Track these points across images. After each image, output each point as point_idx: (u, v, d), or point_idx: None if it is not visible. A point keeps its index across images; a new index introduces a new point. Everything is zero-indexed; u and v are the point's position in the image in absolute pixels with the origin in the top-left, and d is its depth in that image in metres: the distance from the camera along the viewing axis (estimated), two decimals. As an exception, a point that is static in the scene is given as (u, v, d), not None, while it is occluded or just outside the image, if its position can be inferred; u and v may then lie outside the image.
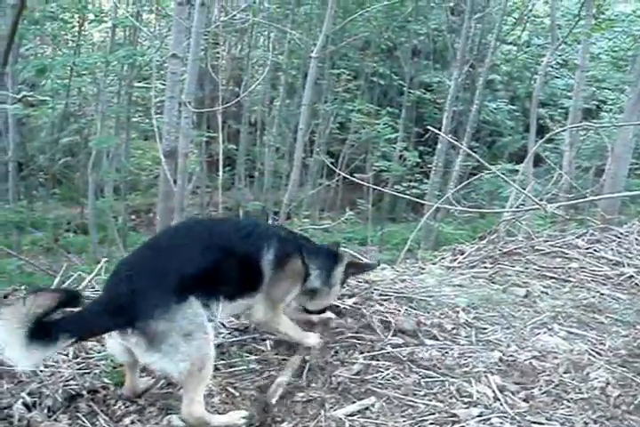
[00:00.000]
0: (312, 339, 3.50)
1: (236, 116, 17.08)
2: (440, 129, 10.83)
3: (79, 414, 2.91)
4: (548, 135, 7.77)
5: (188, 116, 8.26)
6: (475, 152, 16.91)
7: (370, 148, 16.26)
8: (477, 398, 3.03)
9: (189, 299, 2.84)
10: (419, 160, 15.26)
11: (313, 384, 3.15)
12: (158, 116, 9.35)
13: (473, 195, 14.56)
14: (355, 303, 3.85)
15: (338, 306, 3.76)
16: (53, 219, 14.32)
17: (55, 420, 2.85)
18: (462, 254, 5.77)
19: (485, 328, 3.83)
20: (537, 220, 7.61)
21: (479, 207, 10.22)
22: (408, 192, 11.33)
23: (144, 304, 2.74)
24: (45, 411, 2.90)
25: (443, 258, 5.95)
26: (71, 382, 3.13)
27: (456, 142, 8.40)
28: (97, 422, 2.89)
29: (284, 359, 3.40)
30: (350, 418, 2.85)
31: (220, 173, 7.51)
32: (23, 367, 2.77)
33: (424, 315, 3.88)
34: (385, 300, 3.99)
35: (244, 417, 2.90)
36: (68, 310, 2.72)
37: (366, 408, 2.94)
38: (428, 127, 5.88)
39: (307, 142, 14.39)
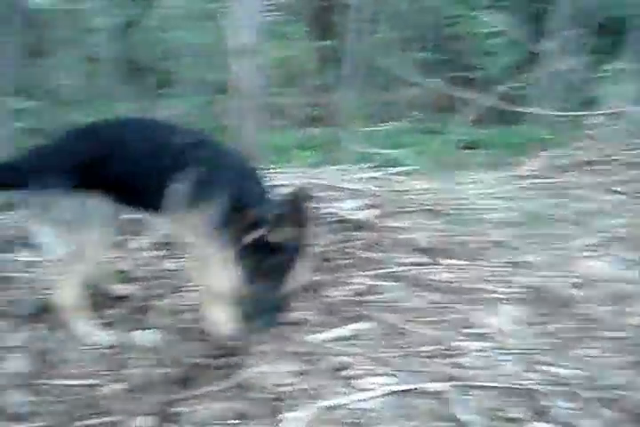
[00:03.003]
0: None
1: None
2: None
3: None
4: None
5: None
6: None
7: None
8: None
9: (89, 190, 2.65)
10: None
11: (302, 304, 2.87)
12: None
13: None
14: (375, 216, 3.47)
15: (350, 219, 3.39)
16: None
17: None
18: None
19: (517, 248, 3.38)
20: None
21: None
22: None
23: (38, 174, 2.63)
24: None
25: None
26: None
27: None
28: None
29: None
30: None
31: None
32: None
33: (448, 231, 3.45)
34: (409, 213, 3.57)
35: (105, 341, 2.69)
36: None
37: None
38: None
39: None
